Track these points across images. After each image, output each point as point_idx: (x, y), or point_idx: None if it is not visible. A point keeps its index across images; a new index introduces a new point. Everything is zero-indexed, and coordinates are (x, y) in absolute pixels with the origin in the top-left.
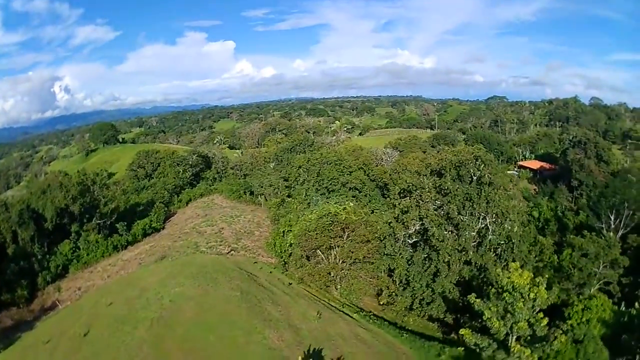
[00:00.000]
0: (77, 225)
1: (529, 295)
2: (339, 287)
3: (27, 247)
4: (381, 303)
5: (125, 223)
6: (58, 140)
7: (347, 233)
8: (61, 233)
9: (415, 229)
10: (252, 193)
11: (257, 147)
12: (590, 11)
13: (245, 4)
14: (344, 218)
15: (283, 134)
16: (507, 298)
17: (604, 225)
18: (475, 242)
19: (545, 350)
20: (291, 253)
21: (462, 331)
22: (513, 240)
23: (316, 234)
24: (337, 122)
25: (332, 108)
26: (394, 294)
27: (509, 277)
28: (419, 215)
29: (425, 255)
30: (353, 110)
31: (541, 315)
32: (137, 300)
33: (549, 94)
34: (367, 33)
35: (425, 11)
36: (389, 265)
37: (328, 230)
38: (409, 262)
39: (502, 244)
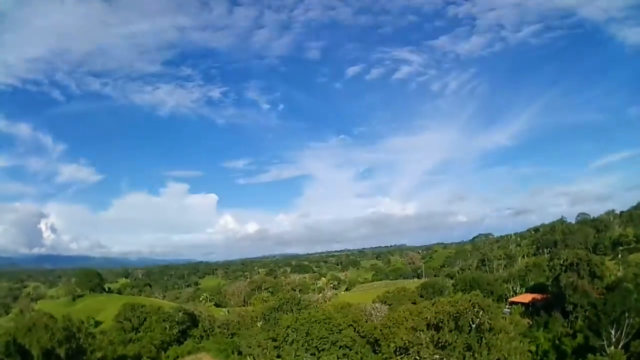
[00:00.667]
0: None
1: None
2: None
3: None
4: None
5: None
6: (45, 279)
7: None
8: None
9: None
10: (240, 353)
11: (244, 305)
12: (565, 121)
13: (226, 154)
14: None
15: (269, 292)
16: None
17: (605, 342)
18: None
19: None
20: None
21: None
22: None
23: None
24: (322, 278)
25: (316, 264)
26: None
27: None
28: None
29: None
30: (338, 264)
31: None
32: None
33: (534, 221)
34: (349, 182)
35: (403, 153)
36: None
37: None
38: None
39: None
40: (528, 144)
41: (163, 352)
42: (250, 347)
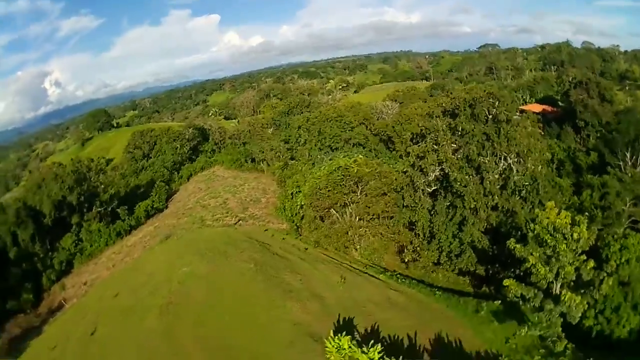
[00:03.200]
0: (77, 217)
1: (571, 236)
2: (358, 247)
3: (28, 247)
4: (405, 260)
5: (127, 207)
6: (53, 135)
7: (360, 187)
8: (62, 227)
9: (434, 175)
10: (253, 160)
11: (254, 114)
12: None
13: None
14: (355, 171)
15: (278, 98)
16: (549, 241)
17: (621, 163)
18: (499, 184)
19: (594, 295)
20: (303, 215)
21: (506, 282)
22: (538, 181)
23: (328, 191)
24: (331, 81)
25: (323, 70)
26: (418, 248)
27: (548, 218)
28: (438, 159)
29: (448, 204)
30: (345, 69)
31: (584, 257)
32: (144, 287)
33: (538, 41)
34: None
35: None
36: (409, 218)
37: (340, 185)
38: (432, 213)
39: (527, 185)
40: None
41: (176, 173)
42: (262, 152)
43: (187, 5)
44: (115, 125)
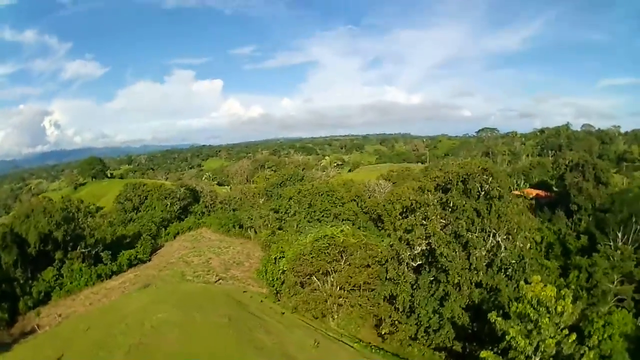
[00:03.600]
0: (61, 253)
1: (555, 309)
2: (336, 316)
3: (9, 271)
4: (382, 333)
5: (111, 253)
6: (48, 174)
7: (345, 257)
8: (45, 260)
9: (420, 249)
10: (241, 227)
11: (247, 183)
12: (577, 37)
13: (233, 41)
14: (341, 241)
15: (272, 170)
16: (532, 314)
17: (611, 243)
18: (485, 261)
19: None
20: (284, 281)
21: (483, 354)
22: (525, 259)
23: (311, 257)
24: (326, 157)
25: (320, 147)
26: (396, 322)
27: (533, 291)
28: (425, 233)
29: (432, 278)
30: (342, 148)
31: (566, 332)
32: (116, 325)
33: (538, 125)
34: (355, 70)
35: (412, 46)
36: (390, 292)
37: (325, 253)
38: (414, 287)
39: (514, 263)
40: (537, 51)
41: (163, 230)
42: (251, 219)
43: (192, 66)
44: (109, 175)
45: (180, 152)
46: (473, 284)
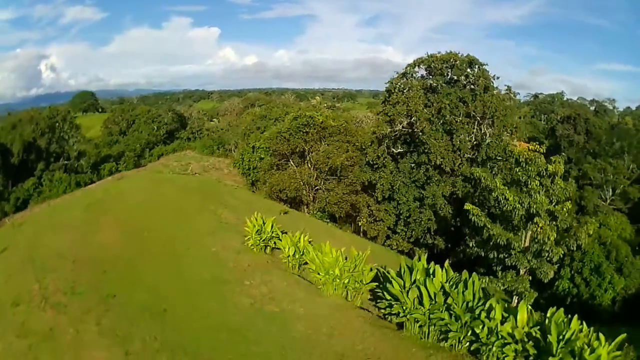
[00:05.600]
0: (42, 164)
1: (546, 170)
2: (311, 204)
3: None
4: (359, 224)
5: (92, 164)
6: None
7: (323, 139)
8: (27, 172)
9: (402, 127)
10: (225, 149)
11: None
12: (579, 18)
13: None
14: (320, 121)
15: (263, 108)
16: (519, 173)
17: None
18: (470, 147)
19: (570, 243)
20: (260, 169)
21: (467, 206)
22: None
23: (290, 134)
24: (317, 97)
25: (312, 95)
26: (374, 211)
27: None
28: (407, 108)
29: (413, 163)
30: (334, 98)
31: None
32: (80, 194)
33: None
34: (352, 27)
35: (411, 7)
36: (369, 178)
37: (303, 132)
38: (394, 174)
39: (500, 159)
40: (536, 27)
41: (148, 151)
42: (235, 137)
43: (190, 13)
44: (99, 110)
45: (173, 94)
46: (457, 168)
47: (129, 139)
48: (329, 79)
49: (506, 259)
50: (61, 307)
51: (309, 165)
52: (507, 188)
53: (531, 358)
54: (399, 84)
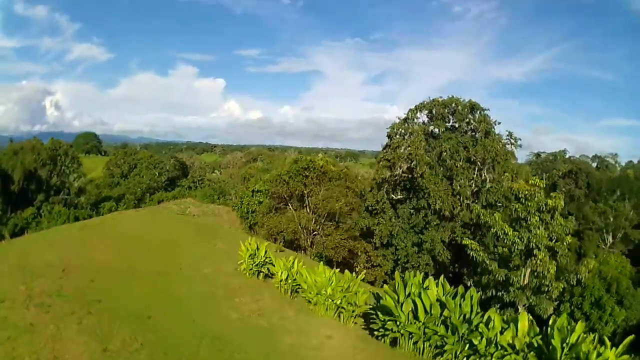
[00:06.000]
0: (43, 196)
1: (545, 205)
2: (308, 248)
3: None
4: (356, 270)
5: (92, 203)
6: None
7: (323, 183)
8: (26, 201)
9: (402, 171)
10: (225, 197)
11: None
12: (582, 75)
13: (240, 42)
14: (321, 165)
15: (265, 163)
16: (519, 209)
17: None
18: (469, 191)
19: (570, 278)
20: (259, 212)
21: (465, 241)
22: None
23: (289, 177)
24: (320, 154)
25: (316, 154)
26: (372, 257)
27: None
28: (408, 153)
29: (412, 208)
30: (337, 157)
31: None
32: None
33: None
34: (358, 85)
35: (417, 65)
36: (368, 224)
37: (303, 175)
38: (392, 219)
39: (500, 205)
40: (539, 85)
41: (148, 196)
42: (235, 188)
43: (196, 63)
44: (102, 153)
45: (176, 145)
46: (457, 214)
47: (130, 182)
48: (333, 138)
49: (504, 296)
50: (44, 307)
51: (308, 209)
52: (506, 224)
53: None
54: (401, 129)
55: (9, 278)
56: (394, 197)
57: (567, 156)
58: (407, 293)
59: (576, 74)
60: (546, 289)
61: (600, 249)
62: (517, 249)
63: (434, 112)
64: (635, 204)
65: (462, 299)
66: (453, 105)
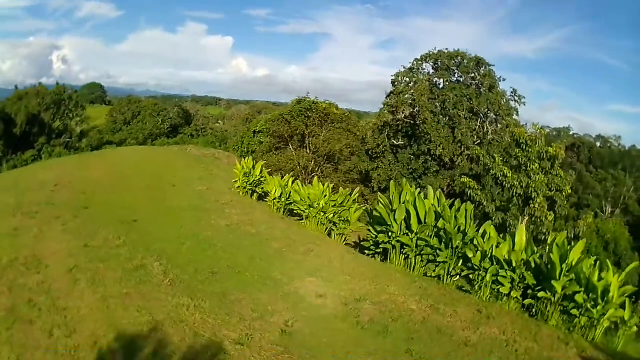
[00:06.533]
0: (44, 139)
1: (546, 152)
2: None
3: None
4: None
5: (94, 145)
6: None
7: (325, 125)
8: (29, 145)
9: (404, 116)
10: (227, 144)
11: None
12: (591, 57)
13: (249, 2)
14: (324, 107)
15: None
16: (519, 155)
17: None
18: (472, 144)
19: (568, 231)
20: (259, 152)
21: (463, 179)
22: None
23: (291, 117)
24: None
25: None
26: (369, 201)
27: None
28: (411, 98)
29: (412, 154)
30: None
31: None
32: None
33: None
34: (366, 49)
35: (426, 34)
36: (367, 167)
37: (305, 116)
38: (392, 164)
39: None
40: (549, 63)
41: (150, 142)
42: (236, 135)
43: (206, 20)
44: (107, 102)
45: (181, 98)
46: (458, 160)
47: (132, 128)
48: (338, 97)
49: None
50: (32, 214)
51: (308, 150)
52: (506, 168)
53: (529, 292)
54: (406, 77)
55: (1, 194)
56: (394, 142)
57: (571, 133)
58: (401, 202)
59: (585, 57)
60: (543, 237)
61: (598, 217)
62: (516, 192)
63: (439, 63)
64: (636, 178)
65: (458, 212)
66: (459, 58)
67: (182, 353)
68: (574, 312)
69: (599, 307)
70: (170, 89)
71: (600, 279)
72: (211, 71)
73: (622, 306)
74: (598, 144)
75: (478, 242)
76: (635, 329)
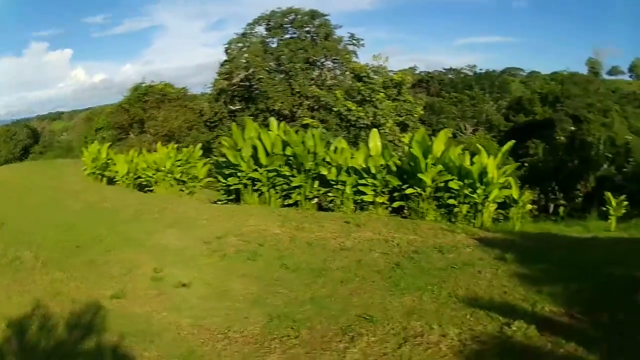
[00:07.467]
0: None
1: (391, 80)
2: None
3: None
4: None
5: None
6: None
7: (162, 106)
8: None
9: (239, 79)
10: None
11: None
12: None
13: (85, 10)
14: (160, 89)
15: None
16: (362, 89)
17: None
18: (312, 96)
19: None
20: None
21: (306, 120)
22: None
23: (130, 105)
24: None
25: None
26: (214, 172)
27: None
28: (246, 59)
29: (251, 115)
30: None
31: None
32: None
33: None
34: (198, 32)
35: (256, 7)
36: (207, 140)
37: (142, 101)
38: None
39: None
40: (386, 10)
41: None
42: (85, 140)
43: (47, 38)
44: None
45: (27, 121)
46: (298, 116)
47: None
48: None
49: None
50: None
51: (149, 134)
52: (349, 102)
53: (396, 194)
54: (239, 43)
55: None
56: (231, 107)
57: (417, 72)
58: (245, 139)
59: None
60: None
61: (459, 138)
62: (363, 123)
63: (272, 23)
64: (497, 97)
65: (305, 136)
66: (292, 15)
67: (65, 320)
68: (451, 201)
69: (479, 191)
70: (18, 114)
71: (472, 163)
72: (53, 87)
73: (509, 188)
74: (450, 77)
75: (331, 158)
76: (529, 206)
